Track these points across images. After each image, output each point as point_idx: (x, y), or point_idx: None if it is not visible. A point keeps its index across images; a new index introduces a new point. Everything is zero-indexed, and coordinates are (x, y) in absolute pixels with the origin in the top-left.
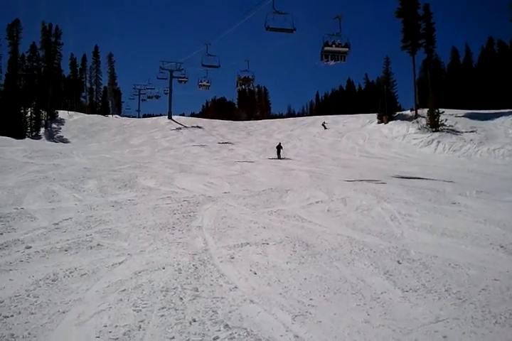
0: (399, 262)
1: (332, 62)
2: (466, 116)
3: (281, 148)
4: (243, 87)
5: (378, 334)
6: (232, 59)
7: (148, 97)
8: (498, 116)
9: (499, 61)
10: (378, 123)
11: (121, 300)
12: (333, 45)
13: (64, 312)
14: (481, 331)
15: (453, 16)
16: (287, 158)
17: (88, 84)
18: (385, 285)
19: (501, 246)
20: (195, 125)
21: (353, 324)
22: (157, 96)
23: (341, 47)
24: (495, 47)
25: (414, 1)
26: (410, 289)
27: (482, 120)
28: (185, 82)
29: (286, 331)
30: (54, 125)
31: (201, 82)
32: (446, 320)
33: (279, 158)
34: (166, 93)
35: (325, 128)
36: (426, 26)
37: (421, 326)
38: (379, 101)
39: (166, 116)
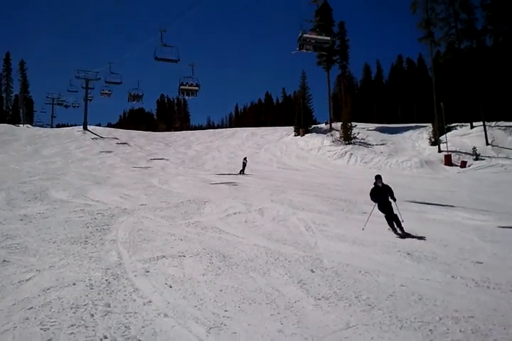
0: (312, 271)
1: (187, 97)
2: (377, 129)
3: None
4: (134, 102)
5: None
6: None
7: (59, 104)
8: (406, 130)
9: (407, 78)
10: (295, 135)
11: (27, 318)
12: (187, 85)
13: None
14: (388, 335)
15: (366, 34)
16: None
17: None
18: (298, 294)
19: (408, 254)
20: (111, 136)
21: (267, 334)
22: (66, 106)
23: (193, 86)
24: (404, 64)
25: (330, 18)
26: (323, 297)
27: (391, 133)
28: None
29: None
30: None
31: (103, 90)
32: (355, 326)
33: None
34: (74, 106)
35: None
36: (340, 43)
37: (332, 333)
38: (296, 115)
39: (81, 127)
